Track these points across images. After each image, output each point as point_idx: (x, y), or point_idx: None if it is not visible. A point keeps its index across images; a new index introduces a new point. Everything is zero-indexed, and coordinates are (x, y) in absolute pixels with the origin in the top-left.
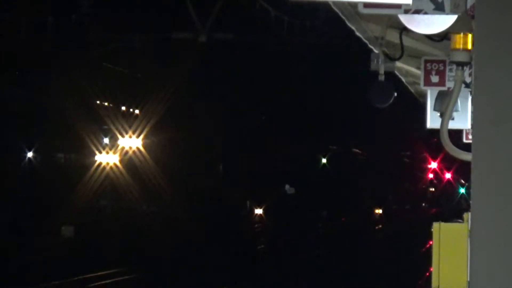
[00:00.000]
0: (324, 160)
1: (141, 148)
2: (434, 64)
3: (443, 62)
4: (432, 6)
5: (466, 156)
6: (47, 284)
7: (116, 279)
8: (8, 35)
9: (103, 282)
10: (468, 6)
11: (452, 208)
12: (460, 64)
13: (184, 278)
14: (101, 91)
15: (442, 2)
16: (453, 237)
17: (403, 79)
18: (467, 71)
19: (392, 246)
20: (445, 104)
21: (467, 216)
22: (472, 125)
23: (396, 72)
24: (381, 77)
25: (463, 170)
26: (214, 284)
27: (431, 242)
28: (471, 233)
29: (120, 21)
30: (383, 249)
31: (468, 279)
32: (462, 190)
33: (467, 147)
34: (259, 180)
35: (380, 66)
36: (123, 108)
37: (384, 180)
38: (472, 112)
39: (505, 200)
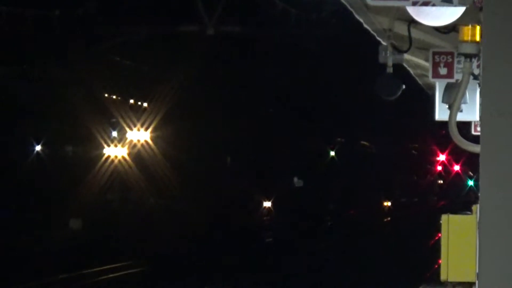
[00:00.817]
0: (332, 153)
1: (149, 141)
2: (442, 56)
3: (451, 54)
4: None
5: (474, 148)
6: (55, 277)
7: (124, 272)
8: (15, 28)
9: (111, 275)
10: None
11: (460, 200)
12: (468, 56)
13: (190, 272)
14: (109, 84)
15: None
16: (461, 229)
17: (411, 71)
18: (475, 63)
19: (401, 238)
20: (453, 96)
21: (476, 208)
22: (480, 117)
23: (404, 64)
24: (389, 69)
25: (471, 162)
26: (220, 278)
27: (439, 235)
28: (480, 225)
29: (127, 14)
30: (391, 241)
31: (477, 271)
32: (471, 182)
33: (476, 139)
34: (267, 173)
35: (388, 59)
36: (131, 101)
37: (392, 172)
38: (481, 104)
39: None
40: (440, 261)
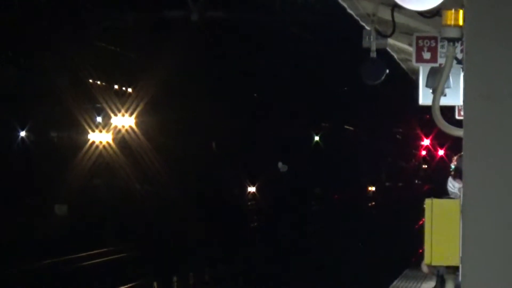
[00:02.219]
0: (316, 138)
1: (134, 127)
2: (425, 40)
3: (435, 38)
4: None
5: (458, 132)
6: (39, 263)
7: (109, 257)
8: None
9: (97, 260)
10: None
11: (445, 184)
12: (452, 40)
13: (177, 256)
14: (93, 69)
15: None
16: (445, 213)
17: (395, 56)
18: (458, 47)
19: (385, 223)
20: (437, 80)
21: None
22: (463, 101)
23: (388, 49)
24: (373, 54)
25: (456, 146)
26: (206, 262)
27: (424, 220)
28: (463, 209)
29: (113, 0)
30: (375, 226)
31: (461, 255)
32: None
33: (459, 124)
34: (252, 158)
35: (372, 43)
36: (116, 86)
37: (377, 157)
38: (464, 88)
39: (497, 175)
40: (424, 246)
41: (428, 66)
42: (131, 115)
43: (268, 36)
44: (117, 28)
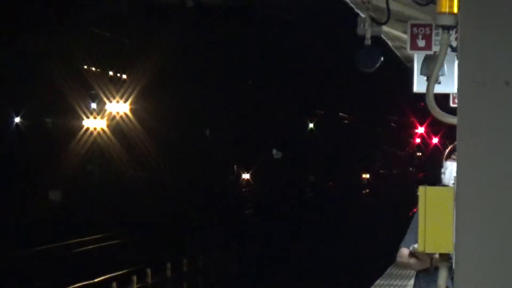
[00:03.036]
0: (311, 125)
1: (129, 113)
2: (420, 28)
3: (429, 26)
4: None
5: (452, 120)
6: (31, 249)
7: (102, 244)
8: None
9: (90, 246)
10: None
11: (439, 172)
12: (446, 28)
13: (171, 242)
14: (88, 56)
15: None
16: (439, 200)
17: (390, 44)
18: (453, 34)
19: (379, 210)
20: (431, 68)
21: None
22: (458, 88)
23: (383, 37)
24: (368, 41)
25: (450, 134)
26: (199, 248)
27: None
28: (457, 196)
29: None
30: (369, 213)
31: (454, 242)
32: None
33: (454, 111)
34: (246, 145)
35: (367, 31)
36: (111, 73)
37: (371, 144)
38: (458, 76)
39: (491, 163)
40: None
41: (423, 54)
42: (125, 101)
43: (263, 23)
44: (111, 14)
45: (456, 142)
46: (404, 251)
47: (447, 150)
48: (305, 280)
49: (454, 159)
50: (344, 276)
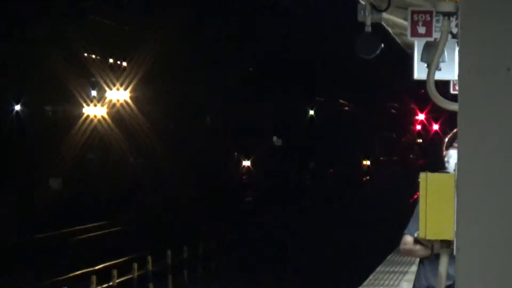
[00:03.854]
0: (311, 112)
1: (129, 101)
2: (421, 15)
3: (430, 12)
4: None
5: (453, 106)
6: (30, 236)
7: (103, 231)
8: None
9: (90, 234)
10: None
11: (439, 159)
12: (447, 15)
13: (170, 230)
14: (88, 43)
15: None
16: (440, 187)
17: (390, 30)
18: (454, 21)
19: (379, 197)
20: (431, 55)
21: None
22: (458, 75)
23: (383, 23)
24: (368, 28)
25: (451, 121)
26: (199, 235)
27: (418, 194)
28: (458, 183)
29: None
30: (370, 200)
31: (455, 229)
32: None
33: (455, 98)
34: (246, 132)
35: (367, 17)
36: (111, 60)
37: (372, 131)
38: (459, 63)
39: (492, 149)
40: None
41: (423, 41)
42: (125, 89)
43: (264, 10)
44: (111, 1)
45: (456, 129)
46: (408, 238)
47: (447, 138)
48: (303, 267)
49: (456, 147)
50: (344, 263)
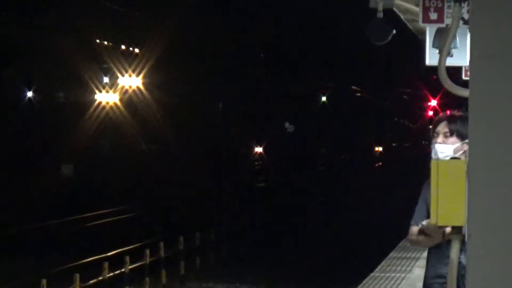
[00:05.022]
0: (323, 98)
1: (141, 87)
2: (432, 1)
3: None
4: None
5: (464, 93)
6: (45, 223)
7: (115, 218)
8: None
9: (103, 220)
10: None
11: None
12: (458, 1)
13: (182, 216)
14: (100, 29)
15: None
16: (451, 173)
17: (402, 16)
18: (465, 7)
19: (391, 183)
20: (443, 41)
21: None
22: (470, 61)
23: (395, 9)
24: (380, 14)
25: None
26: (212, 222)
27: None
28: (469, 169)
29: None
30: (381, 186)
31: (467, 215)
32: None
33: (467, 84)
34: (258, 118)
35: (379, 3)
36: (123, 46)
37: (383, 117)
38: (470, 49)
39: (503, 135)
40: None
41: (435, 27)
42: (138, 75)
43: None
44: None
45: (438, 116)
46: (414, 229)
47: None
48: (316, 252)
49: (436, 136)
50: (357, 246)
